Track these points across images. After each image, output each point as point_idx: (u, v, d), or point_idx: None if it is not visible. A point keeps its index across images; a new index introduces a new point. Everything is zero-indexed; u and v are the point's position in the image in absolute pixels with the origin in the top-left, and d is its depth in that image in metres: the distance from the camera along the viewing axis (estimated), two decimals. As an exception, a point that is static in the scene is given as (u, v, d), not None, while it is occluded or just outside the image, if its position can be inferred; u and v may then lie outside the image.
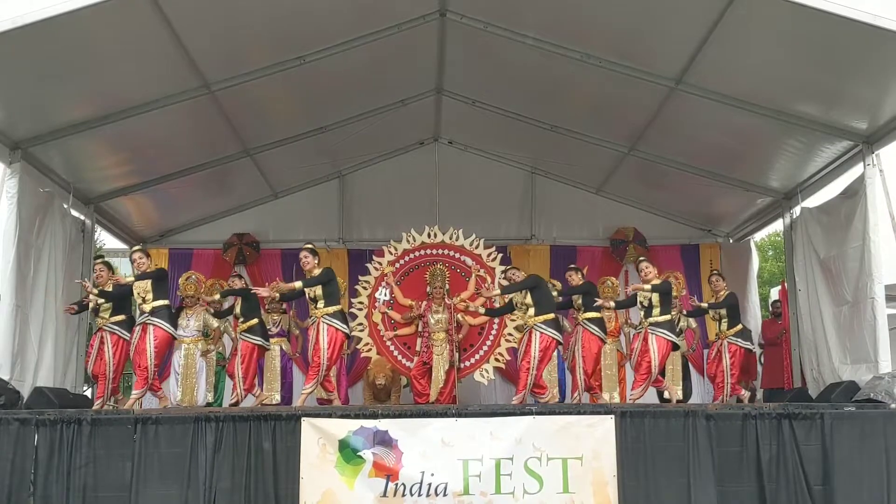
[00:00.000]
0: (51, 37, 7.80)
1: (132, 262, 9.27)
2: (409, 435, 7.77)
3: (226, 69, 9.53)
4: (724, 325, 9.97)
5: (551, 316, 9.21)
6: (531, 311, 9.25)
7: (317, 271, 9.24)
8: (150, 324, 8.88)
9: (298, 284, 9.25)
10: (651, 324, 9.21)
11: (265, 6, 8.52)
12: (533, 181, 13.85)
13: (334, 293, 9.29)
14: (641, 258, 9.96)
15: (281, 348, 10.88)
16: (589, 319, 9.78)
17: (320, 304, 9.12)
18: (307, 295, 9.19)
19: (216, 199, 13.30)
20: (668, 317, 9.24)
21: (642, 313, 9.39)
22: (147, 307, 8.95)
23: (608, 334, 10.30)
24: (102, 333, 9.25)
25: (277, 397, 10.55)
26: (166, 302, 9.07)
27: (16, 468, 7.68)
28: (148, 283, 8.99)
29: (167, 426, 7.81)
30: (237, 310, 9.86)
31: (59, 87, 8.84)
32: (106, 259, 10.24)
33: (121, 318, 9.29)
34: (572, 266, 10.51)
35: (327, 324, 9.04)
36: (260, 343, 9.62)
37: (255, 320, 9.69)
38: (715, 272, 10.58)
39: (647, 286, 9.23)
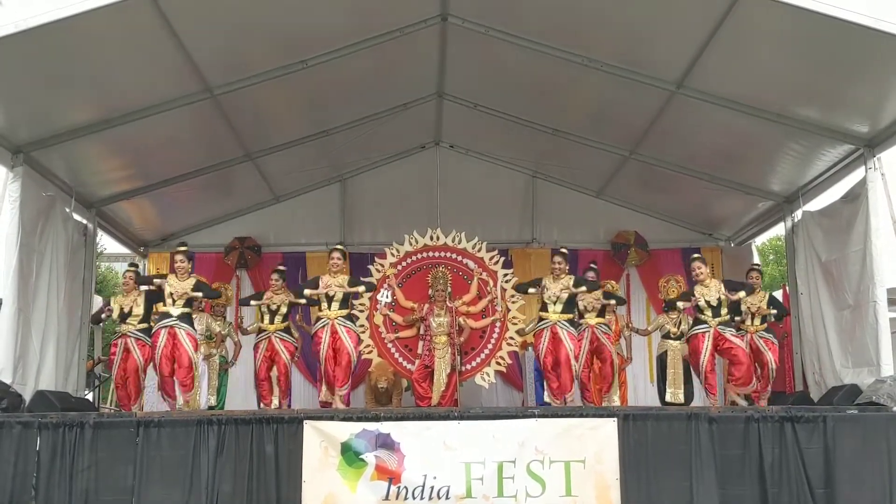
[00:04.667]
0: (53, 41, 7.80)
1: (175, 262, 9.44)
2: (412, 438, 7.76)
3: (228, 73, 9.54)
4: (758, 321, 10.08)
5: None
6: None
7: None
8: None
9: (362, 288, 9.87)
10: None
11: (268, 10, 8.53)
12: (534, 185, 13.86)
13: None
14: (695, 255, 10.10)
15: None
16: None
17: (335, 306, 9.52)
18: (328, 296, 9.56)
19: (218, 203, 13.31)
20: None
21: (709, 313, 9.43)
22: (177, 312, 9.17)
23: None
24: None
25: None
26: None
27: (18, 472, 7.66)
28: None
29: (169, 429, 7.81)
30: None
31: (62, 91, 8.85)
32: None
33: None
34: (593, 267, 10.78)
35: (345, 326, 9.54)
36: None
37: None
38: (756, 267, 10.66)
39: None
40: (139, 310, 9.50)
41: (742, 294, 9.77)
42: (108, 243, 17.24)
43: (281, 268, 10.38)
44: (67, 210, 10.65)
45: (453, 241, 11.21)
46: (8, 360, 8.81)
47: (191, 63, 8.96)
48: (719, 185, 11.91)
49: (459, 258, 11.16)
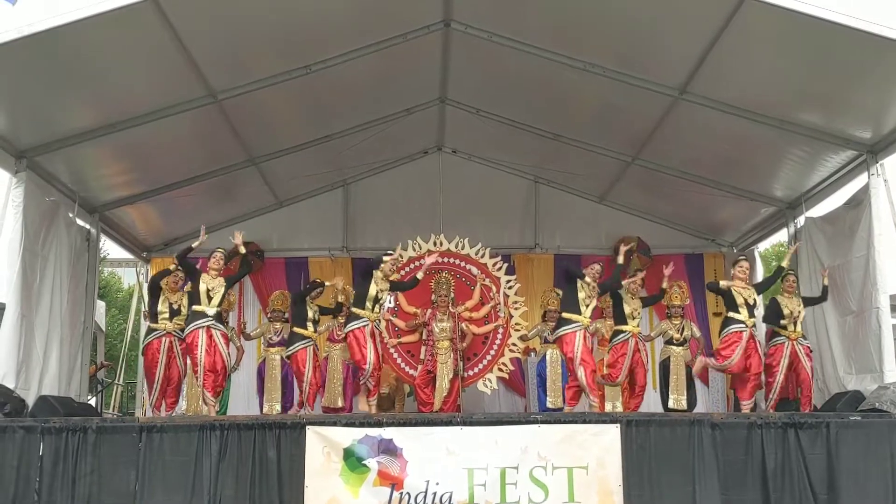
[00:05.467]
0: (56, 46, 7.83)
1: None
2: (414, 443, 7.76)
3: (231, 78, 9.55)
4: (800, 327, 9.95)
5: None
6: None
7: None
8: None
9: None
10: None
11: (271, 15, 8.54)
12: (536, 190, 13.86)
13: None
14: (742, 257, 10.08)
15: (282, 358, 10.83)
16: None
17: (377, 308, 9.61)
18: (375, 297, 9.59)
19: (221, 208, 13.29)
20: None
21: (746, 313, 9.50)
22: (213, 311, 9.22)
23: (601, 342, 10.31)
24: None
25: (278, 407, 10.53)
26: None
27: (21, 476, 7.69)
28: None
29: (172, 434, 7.83)
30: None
31: (65, 96, 8.86)
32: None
33: None
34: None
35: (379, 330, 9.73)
36: None
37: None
38: (792, 272, 10.35)
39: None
40: (185, 311, 9.74)
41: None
42: (111, 248, 17.21)
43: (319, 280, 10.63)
44: (71, 215, 10.65)
45: (457, 246, 11.22)
46: (11, 365, 8.80)
47: (194, 68, 8.97)
48: (722, 191, 11.92)
49: (462, 264, 11.18)
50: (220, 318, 9.36)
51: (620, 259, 9.82)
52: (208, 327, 9.13)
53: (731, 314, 9.57)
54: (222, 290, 9.28)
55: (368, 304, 9.51)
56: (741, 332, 9.42)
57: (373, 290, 9.52)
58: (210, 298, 9.21)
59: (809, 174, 10.77)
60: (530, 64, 9.87)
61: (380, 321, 9.73)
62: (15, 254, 9.01)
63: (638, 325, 9.98)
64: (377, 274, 9.62)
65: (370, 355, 9.41)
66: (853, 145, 9.58)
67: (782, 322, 9.78)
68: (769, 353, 9.79)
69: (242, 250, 9.68)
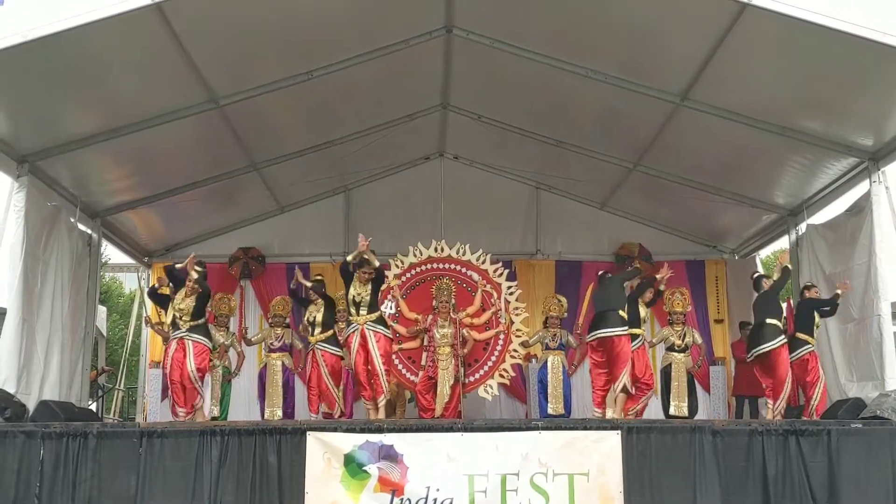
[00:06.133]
0: (59, 51, 7.84)
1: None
2: (415, 449, 7.73)
3: (234, 83, 9.57)
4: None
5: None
6: None
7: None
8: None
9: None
10: None
11: (273, 21, 8.56)
12: (538, 196, 13.88)
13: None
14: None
15: (283, 363, 10.84)
16: None
17: (363, 311, 9.43)
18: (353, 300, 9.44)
19: (222, 213, 13.33)
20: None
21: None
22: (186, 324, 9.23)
23: None
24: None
25: (279, 413, 10.52)
26: None
27: (21, 481, 7.67)
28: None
29: (172, 440, 7.81)
30: (318, 318, 10.04)
31: (67, 100, 8.89)
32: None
33: None
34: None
35: (374, 330, 9.42)
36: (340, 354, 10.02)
37: (332, 331, 10.05)
38: (813, 286, 10.26)
39: None
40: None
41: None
42: (112, 253, 17.23)
43: (319, 276, 10.47)
44: (72, 220, 10.67)
45: (458, 252, 11.22)
46: (12, 369, 8.81)
47: (196, 73, 8.99)
48: (723, 198, 11.92)
49: (464, 270, 11.16)
50: (203, 330, 9.36)
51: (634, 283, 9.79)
52: (181, 339, 9.23)
53: (772, 321, 9.44)
54: (191, 308, 9.30)
55: (352, 310, 9.50)
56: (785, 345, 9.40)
57: (350, 294, 9.49)
58: (181, 317, 9.29)
59: (811, 181, 10.78)
60: (532, 70, 9.89)
61: (376, 323, 9.57)
62: (16, 258, 9.03)
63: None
64: (356, 277, 9.55)
65: (352, 360, 9.49)
66: (855, 152, 9.59)
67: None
68: (805, 360, 9.72)
69: (194, 276, 9.41)
